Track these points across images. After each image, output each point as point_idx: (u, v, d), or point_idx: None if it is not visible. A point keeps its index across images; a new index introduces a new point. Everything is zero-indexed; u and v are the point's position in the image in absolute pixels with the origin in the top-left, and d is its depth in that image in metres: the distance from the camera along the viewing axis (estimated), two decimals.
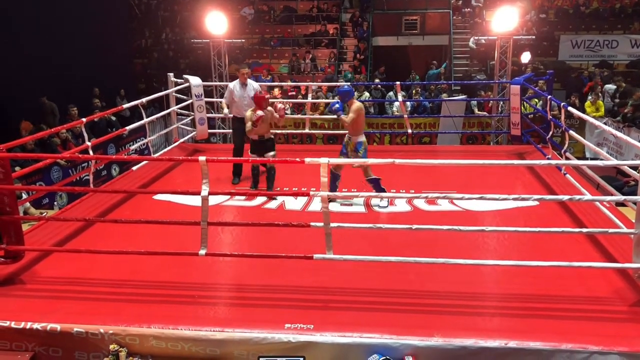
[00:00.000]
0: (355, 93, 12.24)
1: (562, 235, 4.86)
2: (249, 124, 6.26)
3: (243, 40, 14.53)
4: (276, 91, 12.75)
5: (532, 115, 9.68)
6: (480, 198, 4.26)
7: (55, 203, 8.47)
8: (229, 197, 6.36)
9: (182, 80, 8.89)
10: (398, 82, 9.20)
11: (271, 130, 6.60)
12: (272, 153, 6.44)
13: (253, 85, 7.18)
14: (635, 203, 4.48)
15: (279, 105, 6.53)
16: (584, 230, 4.92)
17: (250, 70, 14.50)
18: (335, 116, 6.17)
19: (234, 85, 7.19)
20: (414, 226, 4.32)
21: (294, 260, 4.48)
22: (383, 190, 5.91)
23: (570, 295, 4.18)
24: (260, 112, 6.17)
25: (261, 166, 6.67)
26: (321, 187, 4.18)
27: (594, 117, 10.81)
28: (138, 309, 4.09)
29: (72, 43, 11.61)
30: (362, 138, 6.11)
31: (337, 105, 6.04)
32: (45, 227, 5.48)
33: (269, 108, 6.40)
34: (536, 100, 10.84)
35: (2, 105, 10.20)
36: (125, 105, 8.48)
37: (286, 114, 7.26)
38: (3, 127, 9.24)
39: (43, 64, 10.78)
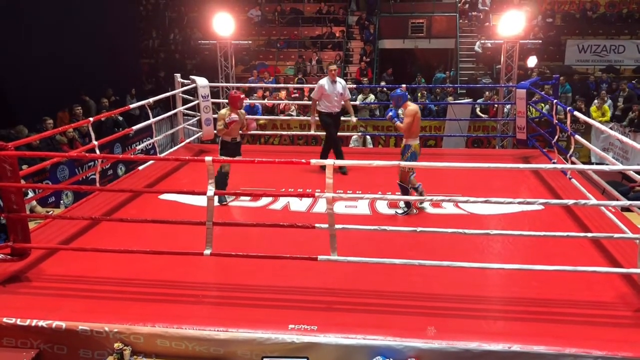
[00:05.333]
0: (361, 95, 12.39)
1: (567, 239, 4.86)
2: (220, 123, 6.12)
3: (250, 42, 14.59)
4: (283, 93, 12.77)
5: (537, 120, 9.66)
6: (485, 201, 4.26)
7: (61, 202, 8.50)
8: (234, 197, 6.38)
9: (189, 81, 8.92)
10: (403, 85, 9.19)
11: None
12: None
13: (342, 83, 7.37)
14: None
15: (252, 124, 6.63)
16: (589, 234, 4.91)
17: (258, 71, 14.63)
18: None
19: (325, 82, 7.33)
20: (419, 229, 4.33)
21: (298, 261, 4.50)
22: (409, 202, 5.85)
23: (574, 299, 4.17)
24: (234, 116, 6.05)
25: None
26: (326, 188, 4.19)
27: (599, 121, 10.80)
28: (143, 307, 4.11)
29: (81, 42, 11.65)
30: (412, 141, 5.89)
31: (390, 114, 5.90)
32: (52, 226, 5.51)
33: (242, 111, 6.35)
34: (542, 104, 10.82)
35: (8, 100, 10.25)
36: (133, 105, 8.50)
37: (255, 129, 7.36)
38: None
39: (53, 63, 10.82)
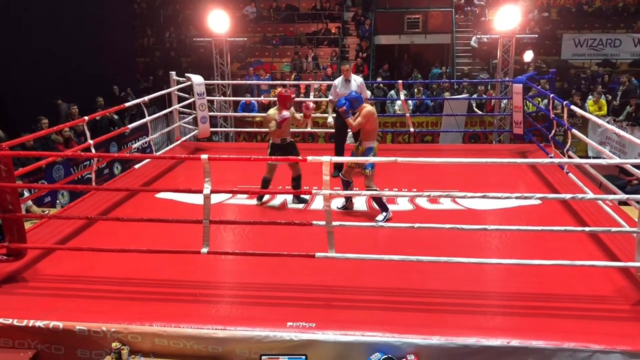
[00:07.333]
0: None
1: (564, 234, 4.85)
2: (272, 124, 5.88)
3: (245, 39, 14.54)
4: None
5: (534, 114, 9.66)
6: (483, 197, 4.25)
7: (57, 201, 8.48)
8: (230, 195, 6.36)
9: (184, 79, 8.89)
10: (400, 81, 9.19)
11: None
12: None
13: (356, 81, 7.08)
14: (638, 202, 4.48)
15: (310, 104, 6.24)
16: (587, 229, 4.91)
17: (254, 69, 14.59)
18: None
19: (338, 81, 7.13)
20: (416, 225, 4.33)
21: (296, 259, 4.48)
22: (384, 205, 5.74)
23: (572, 294, 4.17)
24: (286, 113, 5.80)
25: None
26: (323, 185, 4.17)
27: (596, 116, 10.80)
28: (140, 306, 4.10)
29: (76, 41, 11.60)
30: (373, 144, 5.74)
31: (344, 107, 5.62)
32: (48, 225, 5.49)
33: (291, 109, 6.04)
34: (539, 99, 10.82)
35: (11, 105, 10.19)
36: (128, 104, 8.46)
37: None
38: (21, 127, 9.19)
39: (48, 62, 10.76)
